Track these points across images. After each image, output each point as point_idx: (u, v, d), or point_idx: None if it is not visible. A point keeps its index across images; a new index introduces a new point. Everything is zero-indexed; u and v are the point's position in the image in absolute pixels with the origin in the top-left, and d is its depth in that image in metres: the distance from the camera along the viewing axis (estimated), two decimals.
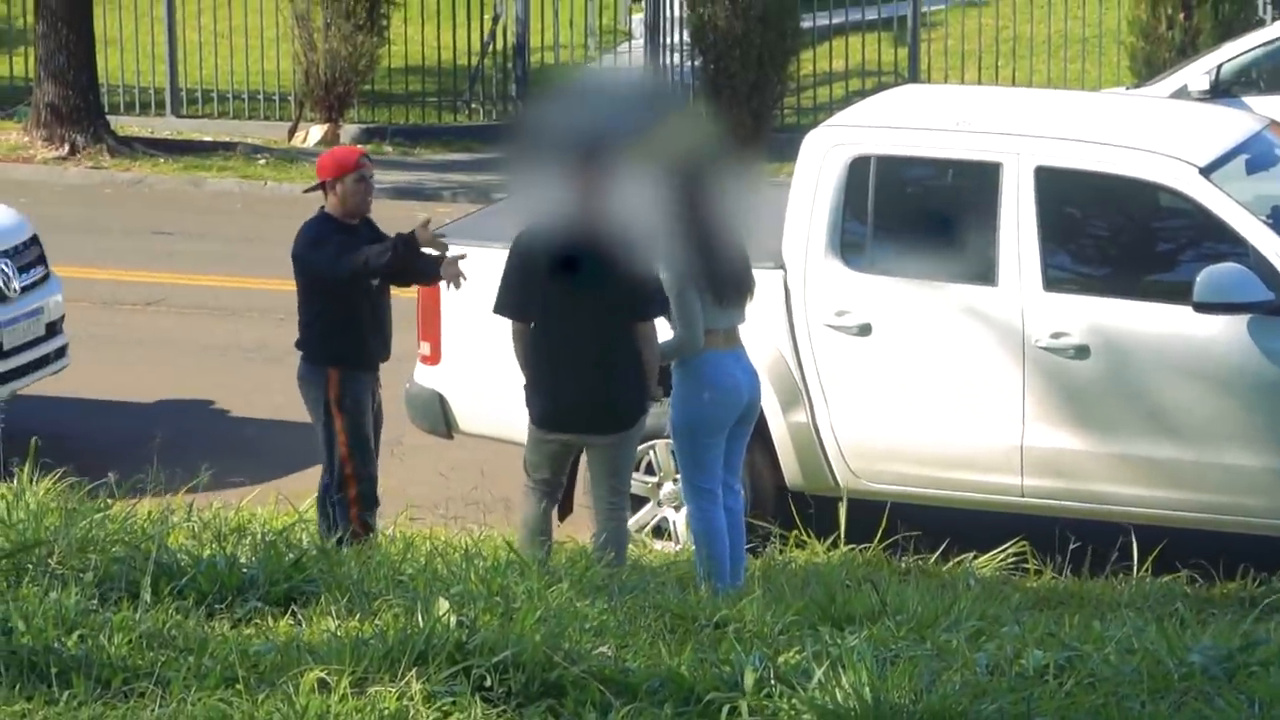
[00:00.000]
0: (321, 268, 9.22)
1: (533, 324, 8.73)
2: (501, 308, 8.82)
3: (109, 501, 8.25)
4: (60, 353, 11.85)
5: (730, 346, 8.95)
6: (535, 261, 8.65)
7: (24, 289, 11.62)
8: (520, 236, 8.82)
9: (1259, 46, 16.09)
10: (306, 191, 9.92)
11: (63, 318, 11.94)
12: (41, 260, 11.93)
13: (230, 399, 12.74)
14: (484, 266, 9.95)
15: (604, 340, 8.66)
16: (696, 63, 19.76)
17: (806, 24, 20.13)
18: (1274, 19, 18.25)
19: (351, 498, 9.20)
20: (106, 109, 20.11)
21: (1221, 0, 18.51)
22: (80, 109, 19.48)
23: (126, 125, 20.50)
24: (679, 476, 9.35)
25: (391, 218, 18.18)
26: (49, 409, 11.73)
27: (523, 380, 8.85)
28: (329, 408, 9.21)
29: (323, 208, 9.48)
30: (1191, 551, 9.53)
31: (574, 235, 8.61)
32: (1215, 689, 6.17)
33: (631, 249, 8.58)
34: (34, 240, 11.93)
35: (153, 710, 5.80)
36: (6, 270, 11.52)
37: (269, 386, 12.90)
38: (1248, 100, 15.04)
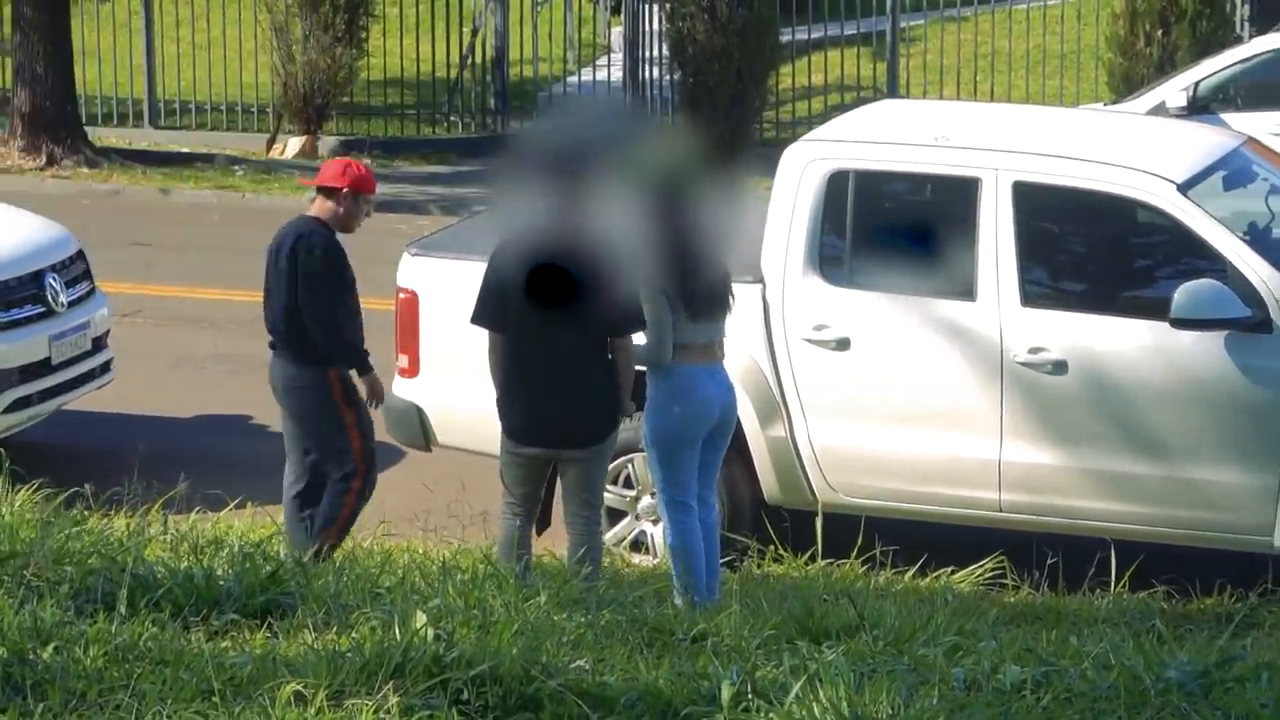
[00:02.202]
0: (322, 306, 9.13)
1: (508, 336, 8.73)
2: (479, 318, 8.82)
3: (85, 513, 8.23)
4: (105, 367, 11.87)
5: (705, 361, 8.95)
6: (512, 274, 8.65)
7: (71, 304, 11.64)
8: (499, 248, 8.82)
9: (1236, 64, 16.15)
10: (305, 183, 9.92)
11: (108, 332, 11.95)
12: (87, 275, 11.96)
13: (208, 410, 12.71)
14: (461, 279, 9.96)
15: (579, 354, 8.66)
16: (675, 76, 19.79)
17: (786, 38, 20.16)
18: (1251, 36, 18.31)
19: (356, 488, 9.27)
20: (84, 120, 20.09)
21: (1199, 18, 18.57)
22: (58, 120, 19.45)
23: (104, 136, 20.48)
24: (655, 490, 9.35)
25: (370, 228, 18.14)
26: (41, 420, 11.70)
27: (495, 392, 8.85)
28: (338, 408, 9.20)
29: (315, 215, 9.35)
30: (1168, 567, 9.54)
31: (552, 249, 8.61)
32: (1192, 705, 6.18)
33: (610, 264, 8.58)
34: (80, 255, 11.96)
35: None
36: (55, 285, 11.54)
37: (247, 398, 12.88)
38: (1225, 117, 15.10)
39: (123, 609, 6.49)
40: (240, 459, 11.63)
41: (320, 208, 9.36)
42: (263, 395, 12.97)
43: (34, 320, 11.43)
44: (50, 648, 6.16)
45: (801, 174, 9.99)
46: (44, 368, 11.41)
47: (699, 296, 8.89)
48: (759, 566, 9.72)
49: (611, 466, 9.98)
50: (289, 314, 9.28)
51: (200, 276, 15.83)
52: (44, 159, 19.38)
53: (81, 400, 11.98)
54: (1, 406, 11.20)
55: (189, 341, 14.16)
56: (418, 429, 10.52)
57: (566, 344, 8.62)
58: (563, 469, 8.84)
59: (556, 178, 8.67)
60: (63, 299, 11.57)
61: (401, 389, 10.55)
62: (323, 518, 9.29)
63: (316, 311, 9.18)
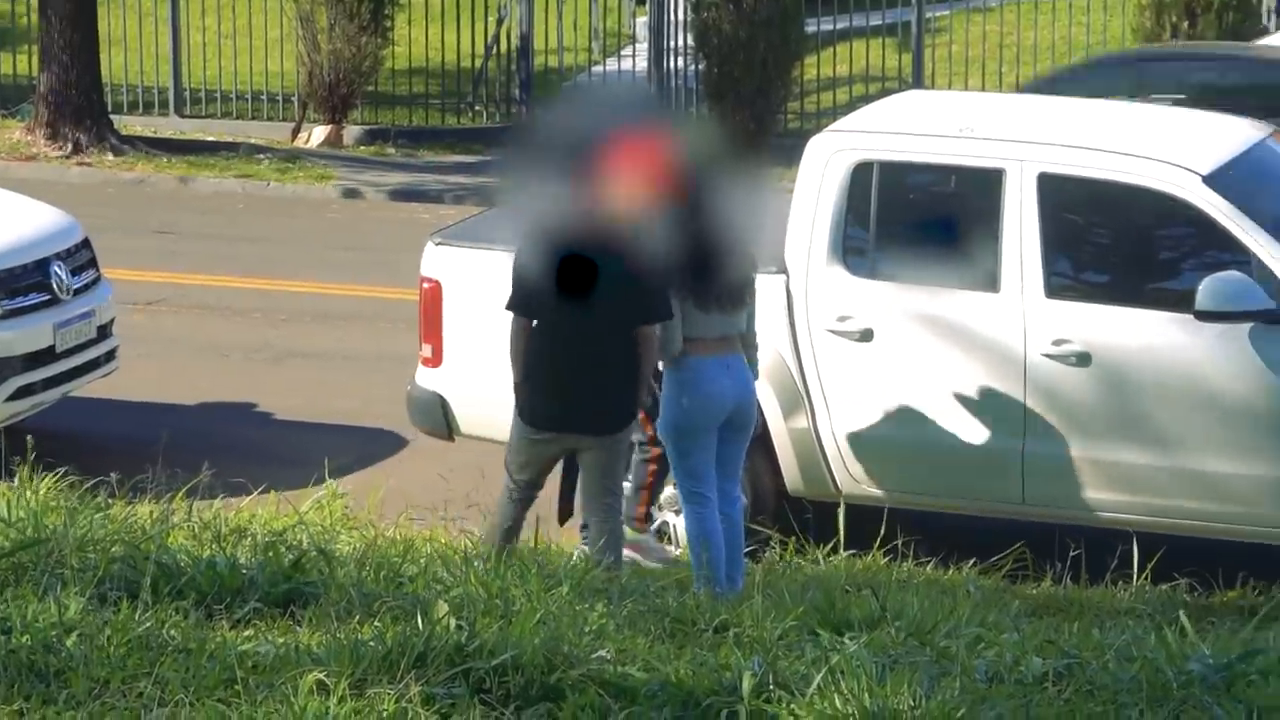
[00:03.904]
0: None
1: (535, 322, 8.73)
2: (514, 305, 8.80)
3: (109, 501, 8.25)
4: (110, 355, 11.87)
5: (719, 353, 8.93)
6: (543, 262, 8.63)
7: (76, 291, 11.65)
8: (528, 236, 8.81)
9: None
10: None
11: (113, 320, 11.97)
12: (93, 263, 11.96)
13: (232, 399, 12.74)
14: (485, 268, 9.97)
15: (607, 342, 8.66)
16: (700, 67, 19.78)
17: (811, 29, 20.14)
18: (1277, 28, 18.25)
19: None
20: (110, 108, 20.13)
21: (1226, 9, 18.53)
22: (83, 108, 19.50)
23: (130, 124, 20.53)
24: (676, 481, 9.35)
25: (394, 219, 18.17)
26: (49, 408, 11.73)
27: (515, 377, 8.84)
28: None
29: None
30: (1191, 560, 9.53)
31: (585, 238, 8.60)
32: (1214, 698, 6.17)
33: (638, 252, 8.58)
34: (85, 243, 11.96)
35: (151, 711, 5.79)
36: (60, 273, 11.55)
37: (270, 386, 12.91)
38: None
39: (146, 597, 6.50)
40: (263, 447, 11.65)
41: None
42: (288, 384, 13.04)
43: (39, 308, 11.44)
44: (74, 635, 6.17)
45: (826, 165, 9.98)
46: (48, 355, 11.42)
47: (710, 289, 8.87)
48: (781, 557, 9.72)
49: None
50: None
51: (224, 265, 15.86)
52: (69, 147, 19.43)
53: (105, 388, 12.01)
54: (5, 394, 11.20)
55: (212, 330, 14.19)
56: (440, 419, 10.53)
57: (594, 331, 8.63)
58: (582, 457, 8.85)
59: (567, 167, 8.65)
60: (68, 286, 11.58)
61: (425, 379, 10.56)
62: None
63: None
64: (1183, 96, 13.64)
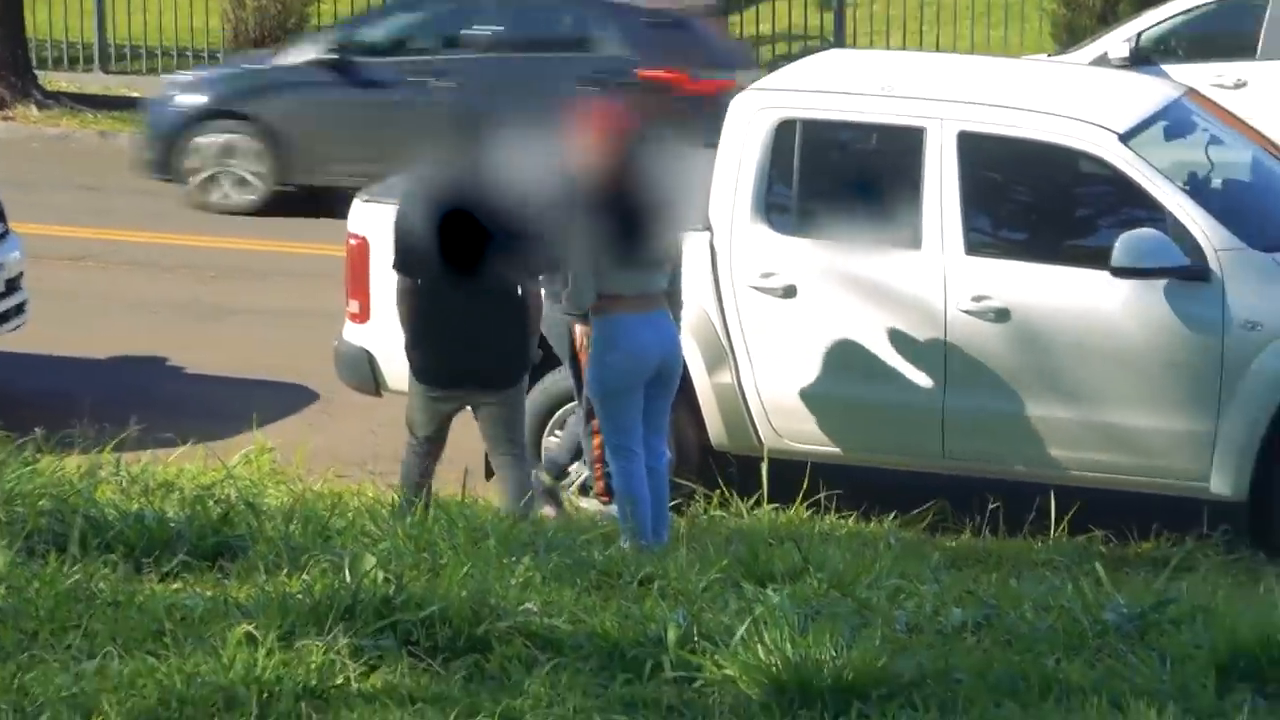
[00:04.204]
0: None
1: (419, 280, 8.75)
2: (396, 265, 8.81)
3: (36, 455, 8.26)
4: (20, 309, 11.82)
5: (642, 310, 8.99)
6: (423, 223, 8.63)
7: None
8: (408, 195, 8.82)
9: (1178, 15, 16.23)
10: None
11: (22, 274, 11.92)
12: (0, 216, 11.90)
13: (160, 354, 12.73)
14: None
15: (491, 297, 8.67)
16: None
17: None
18: None
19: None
20: (34, 64, 19.99)
21: None
22: (7, 63, 19.35)
23: (54, 80, 20.38)
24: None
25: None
26: None
27: (405, 337, 8.86)
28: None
29: None
30: (1107, 512, 9.67)
31: (464, 194, 8.59)
32: (1128, 646, 6.29)
33: (520, 210, 8.56)
34: None
35: (80, 663, 5.83)
36: None
37: (199, 343, 12.90)
38: (1167, 68, 15.18)
39: (75, 550, 6.53)
40: (190, 402, 11.66)
41: None
42: (217, 339, 13.04)
43: None
44: (2, 588, 6.20)
45: (749, 123, 10.05)
46: None
47: (620, 246, 8.90)
48: (705, 511, 9.81)
49: (559, 412, 10.08)
50: None
51: (151, 221, 15.81)
52: None
53: (30, 343, 11.98)
54: None
55: (140, 285, 14.16)
56: (368, 374, 10.56)
57: (477, 287, 8.63)
58: (480, 414, 8.88)
59: (463, 125, 8.64)
60: None
61: (352, 334, 10.59)
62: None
63: None
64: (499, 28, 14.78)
